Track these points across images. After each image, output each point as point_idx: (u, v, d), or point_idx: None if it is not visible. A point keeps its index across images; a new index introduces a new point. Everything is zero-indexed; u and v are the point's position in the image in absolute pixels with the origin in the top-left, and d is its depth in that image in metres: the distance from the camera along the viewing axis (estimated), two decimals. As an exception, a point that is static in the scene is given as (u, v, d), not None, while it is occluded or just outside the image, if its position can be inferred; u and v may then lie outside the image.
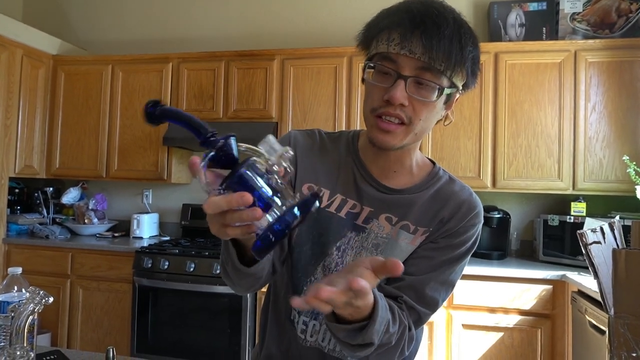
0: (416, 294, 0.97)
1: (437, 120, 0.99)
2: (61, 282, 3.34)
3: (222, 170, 0.67)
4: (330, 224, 1.01)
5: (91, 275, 3.30)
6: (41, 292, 0.76)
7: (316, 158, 1.05)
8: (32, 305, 0.75)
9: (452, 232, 0.99)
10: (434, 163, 1.09)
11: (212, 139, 0.67)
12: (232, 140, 0.66)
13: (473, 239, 1.01)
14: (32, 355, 0.77)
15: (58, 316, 3.33)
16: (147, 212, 3.79)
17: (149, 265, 3.04)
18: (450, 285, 1.02)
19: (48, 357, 1.14)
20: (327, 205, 1.02)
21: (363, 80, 0.96)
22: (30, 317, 0.77)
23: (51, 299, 0.76)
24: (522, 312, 2.71)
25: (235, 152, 0.67)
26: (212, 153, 0.66)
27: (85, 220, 3.70)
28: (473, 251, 1.02)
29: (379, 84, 0.91)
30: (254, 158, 0.66)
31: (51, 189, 3.94)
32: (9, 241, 3.47)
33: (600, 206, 3.06)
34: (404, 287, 0.97)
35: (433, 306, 0.99)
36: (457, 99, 0.98)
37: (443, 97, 0.91)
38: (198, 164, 0.65)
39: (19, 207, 3.88)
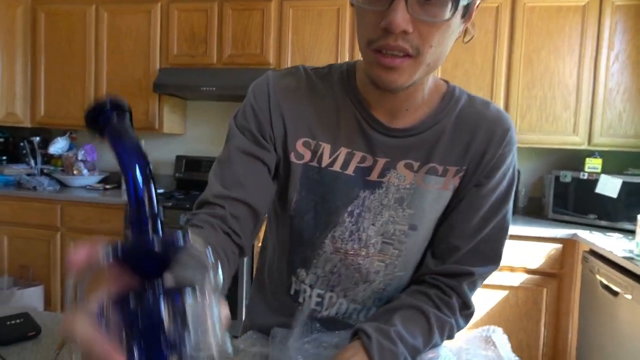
0: (473, 256, 0.85)
1: (454, 40, 0.77)
2: (51, 235, 3.23)
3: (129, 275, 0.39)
4: (336, 186, 0.84)
5: (82, 228, 3.18)
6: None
7: (306, 103, 0.85)
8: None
9: (493, 163, 0.83)
10: (446, 82, 0.88)
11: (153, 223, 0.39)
12: (186, 236, 0.39)
13: (514, 164, 0.86)
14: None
15: (49, 270, 3.25)
16: (139, 164, 3.62)
17: (141, 219, 2.91)
18: (507, 229, 0.88)
19: (14, 321, 1.01)
20: (329, 164, 0.84)
21: (352, 4, 0.72)
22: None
23: None
24: (529, 271, 2.61)
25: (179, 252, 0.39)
26: (134, 243, 0.39)
27: (75, 172, 3.54)
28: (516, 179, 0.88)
29: (373, 7, 0.68)
30: (190, 287, 0.39)
31: (38, 138, 3.75)
32: (-5, 192, 3.33)
33: (616, 162, 2.90)
34: (458, 259, 0.85)
35: (496, 260, 0.87)
36: (478, 5, 0.75)
37: (459, 10, 0.68)
38: (85, 256, 0.38)
39: (4, 158, 3.72)
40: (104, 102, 0.44)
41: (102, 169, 3.75)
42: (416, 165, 0.83)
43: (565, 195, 2.84)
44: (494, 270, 0.88)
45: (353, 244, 0.87)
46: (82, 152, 3.64)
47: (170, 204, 2.96)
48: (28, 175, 3.52)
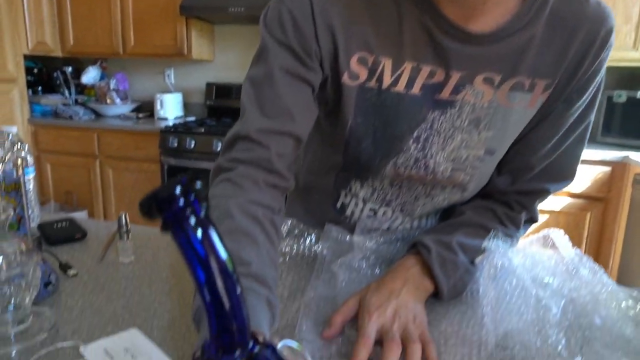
0: (549, 173, 0.79)
1: None
2: (90, 163, 3.31)
3: None
4: (400, 109, 0.73)
5: (119, 156, 3.24)
6: (11, 135, 0.58)
7: (359, 9, 0.68)
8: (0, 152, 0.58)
9: (589, 74, 0.70)
10: None
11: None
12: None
13: (605, 65, 0.74)
14: (10, 212, 0.61)
15: (92, 196, 3.37)
16: (170, 92, 3.60)
17: (175, 145, 2.93)
18: (586, 140, 0.79)
19: (61, 224, 1.03)
20: (391, 83, 0.71)
21: None
22: (6, 167, 0.61)
23: (26, 146, 0.58)
24: (573, 195, 2.51)
25: None
26: None
27: (108, 101, 3.56)
28: None
29: None
30: None
31: (70, 68, 3.76)
32: (34, 122, 3.40)
33: (678, 80, 2.66)
34: (532, 177, 0.80)
35: (572, 175, 0.81)
36: None
37: None
38: None
39: (40, 88, 3.76)
40: (173, 186, 0.26)
41: (134, 98, 3.76)
42: (497, 79, 0.70)
43: (617, 117, 2.65)
44: (568, 185, 0.82)
45: (418, 171, 0.78)
46: (114, 81, 3.63)
47: (202, 130, 2.95)
48: (64, 105, 3.57)
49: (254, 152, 0.69)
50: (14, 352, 0.61)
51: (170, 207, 0.27)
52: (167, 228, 0.28)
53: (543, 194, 0.82)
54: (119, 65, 3.80)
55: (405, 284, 0.69)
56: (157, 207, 0.27)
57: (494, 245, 0.68)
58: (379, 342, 0.63)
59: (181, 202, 0.27)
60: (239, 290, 0.29)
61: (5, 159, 0.57)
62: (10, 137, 0.58)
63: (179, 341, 0.65)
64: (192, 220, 0.28)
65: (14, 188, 0.74)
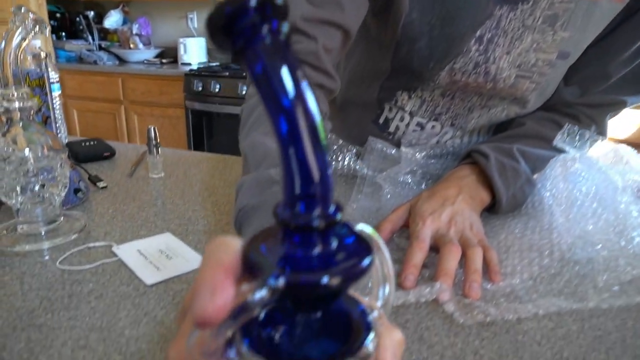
0: (627, 83, 0.71)
1: None
2: (115, 109, 3.30)
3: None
4: (462, 3, 0.63)
5: (143, 101, 3.21)
6: (32, 15, 0.52)
7: None
8: (22, 31, 0.52)
9: None
10: None
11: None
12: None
13: None
14: (35, 102, 0.57)
15: (118, 140, 3.37)
16: (194, 37, 3.50)
17: (200, 89, 2.87)
18: None
19: (89, 142, 0.99)
20: None
21: None
22: (28, 53, 0.56)
23: (47, 28, 0.52)
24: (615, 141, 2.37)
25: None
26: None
27: (131, 46, 3.49)
28: None
29: None
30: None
31: (92, 13, 3.69)
32: (59, 67, 3.36)
33: None
34: (607, 87, 0.71)
35: None
36: None
37: None
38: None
39: (63, 34, 3.71)
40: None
41: (157, 44, 3.68)
42: None
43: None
44: None
45: (477, 77, 0.69)
46: (137, 25, 3.55)
47: (227, 73, 2.87)
48: (87, 50, 3.52)
49: (300, 44, 0.61)
50: (45, 249, 0.59)
51: (242, 23, 0.20)
52: (238, 54, 0.21)
53: (617, 106, 0.73)
54: (140, 9, 3.70)
55: (460, 192, 0.63)
56: (225, 25, 0.20)
57: (563, 143, 0.61)
58: (434, 248, 0.57)
59: (255, 17, 0.20)
60: (323, 146, 0.21)
61: (28, 39, 0.51)
62: (31, 16, 0.52)
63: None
64: (272, 44, 0.20)
65: (38, 84, 0.69)
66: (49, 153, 0.59)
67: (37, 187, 0.57)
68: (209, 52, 3.56)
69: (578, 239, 0.52)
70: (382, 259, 0.25)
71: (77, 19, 3.69)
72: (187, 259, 0.57)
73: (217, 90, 2.84)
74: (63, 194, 0.61)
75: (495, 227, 0.64)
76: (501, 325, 0.45)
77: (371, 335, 0.24)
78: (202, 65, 3.31)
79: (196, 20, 3.61)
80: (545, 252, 0.50)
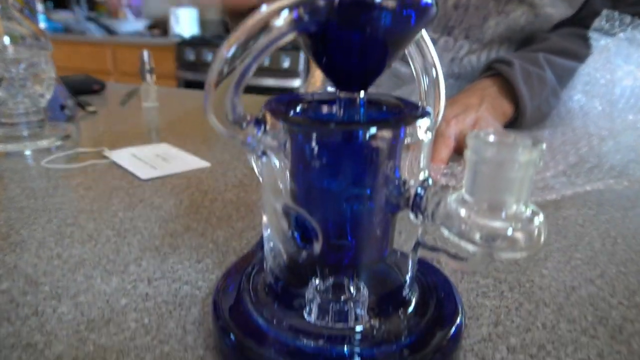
0: None
1: None
2: (104, 79, 3.20)
3: None
4: None
5: (134, 72, 3.11)
6: None
7: None
8: None
9: None
10: None
11: None
12: None
13: None
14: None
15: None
16: (186, 6, 3.40)
17: (193, 59, 2.79)
18: None
19: (75, 77, 0.93)
20: None
21: None
22: None
23: None
24: None
25: None
26: None
27: (120, 15, 3.39)
28: None
29: None
30: None
31: (80, -18, 3.57)
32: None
33: None
34: None
35: None
36: None
37: None
38: None
39: (51, 3, 3.59)
40: None
41: (147, 15, 3.57)
42: None
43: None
44: None
45: None
46: (126, -5, 3.44)
47: (220, 41, 2.79)
48: (75, 21, 3.41)
49: None
50: (27, 151, 0.53)
51: None
52: None
53: None
54: (130, -21, 3.59)
55: (483, 101, 0.58)
56: None
57: (601, 31, 0.56)
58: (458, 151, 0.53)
59: None
60: None
61: None
62: None
63: (217, 151, 0.56)
64: None
65: None
66: (32, 45, 0.53)
67: (18, 81, 0.52)
68: (202, 24, 3.47)
69: (619, 126, 0.47)
70: None
71: (64, -12, 3.56)
72: (186, 161, 0.52)
73: (210, 59, 2.77)
74: (48, 96, 0.56)
75: (523, 132, 0.59)
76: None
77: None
78: (194, 36, 3.22)
79: (188, -10, 3.51)
80: (582, 142, 0.46)
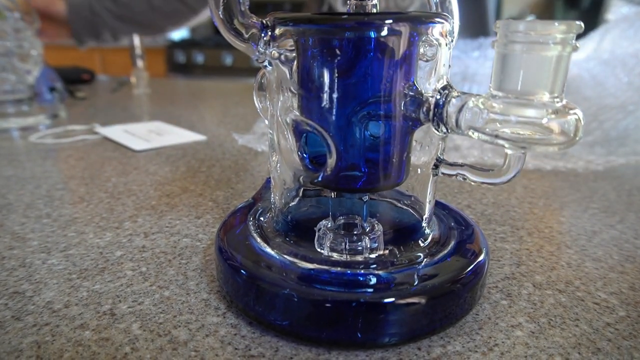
0: None
1: None
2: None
3: None
4: None
5: (123, 75, 3.09)
6: None
7: None
8: None
9: None
10: None
11: None
12: None
13: None
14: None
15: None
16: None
17: (183, 61, 2.77)
18: None
19: (64, 68, 0.91)
20: None
21: None
22: None
23: None
24: None
25: None
26: None
27: (109, 20, 3.37)
28: None
29: None
30: None
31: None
32: (33, 42, 3.23)
33: None
34: None
35: None
36: None
37: None
38: None
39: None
40: None
41: None
42: None
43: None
44: None
45: None
46: None
47: (210, 43, 2.78)
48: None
49: None
50: (14, 130, 0.51)
51: None
52: None
53: None
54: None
55: None
56: None
57: None
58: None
59: None
60: None
61: None
62: None
63: (212, 127, 0.54)
64: None
65: None
66: (18, 19, 0.51)
67: (3, 55, 0.50)
68: (192, 29, 3.45)
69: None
70: None
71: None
72: (181, 135, 0.50)
73: (200, 61, 2.75)
74: (36, 73, 0.54)
75: None
76: (545, 171, 0.39)
77: None
78: (184, 38, 3.20)
79: (177, -6, 3.50)
80: (604, 115, 0.44)
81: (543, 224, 0.29)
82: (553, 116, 0.15)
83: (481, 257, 0.20)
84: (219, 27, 0.17)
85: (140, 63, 0.77)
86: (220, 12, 0.17)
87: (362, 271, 0.18)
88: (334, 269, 0.18)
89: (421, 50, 0.18)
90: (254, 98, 0.23)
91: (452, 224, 0.23)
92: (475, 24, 0.75)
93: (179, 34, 3.29)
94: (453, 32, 0.19)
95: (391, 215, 0.23)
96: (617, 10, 0.57)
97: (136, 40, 0.77)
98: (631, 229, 0.29)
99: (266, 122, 0.22)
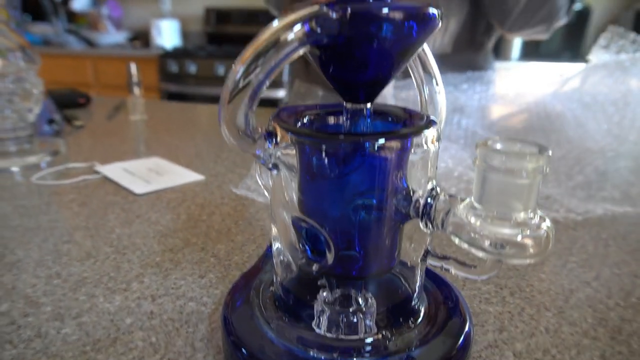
0: None
1: None
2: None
3: None
4: None
5: (115, 84, 3.08)
6: None
7: None
8: None
9: None
10: None
11: None
12: None
13: None
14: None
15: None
16: (167, 18, 3.39)
17: (176, 70, 2.78)
18: None
19: (60, 91, 0.92)
20: None
21: None
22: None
23: None
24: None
25: None
26: None
27: (100, 28, 3.36)
28: None
29: None
30: None
31: (58, -6, 3.53)
32: (24, 50, 3.21)
33: None
34: None
35: None
36: None
37: None
38: None
39: (30, 15, 3.54)
40: None
41: (129, 26, 3.55)
42: None
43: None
44: None
45: None
46: (106, 7, 3.41)
47: (203, 53, 2.79)
48: (54, 34, 3.37)
49: None
50: (16, 169, 0.52)
51: None
52: None
53: None
54: (110, -8, 3.57)
55: None
56: None
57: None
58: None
59: None
60: None
61: None
62: None
63: (210, 164, 0.56)
64: None
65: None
66: (20, 59, 0.52)
67: (5, 96, 0.51)
68: (184, 35, 3.46)
69: (620, 145, 0.48)
70: None
71: (43, 0, 3.52)
72: (180, 174, 0.52)
73: (193, 71, 2.76)
74: (37, 111, 0.55)
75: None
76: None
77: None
78: (177, 48, 3.21)
79: (169, 2, 3.50)
80: (586, 160, 0.47)
81: (525, 282, 0.31)
82: (527, 232, 0.17)
83: (466, 329, 0.22)
84: (229, 137, 0.19)
85: (136, 90, 0.79)
86: (231, 126, 0.19)
87: (356, 359, 0.20)
88: (329, 357, 0.20)
89: (412, 152, 0.20)
90: (258, 180, 0.25)
91: (439, 296, 0.25)
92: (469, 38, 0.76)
93: (171, 43, 3.29)
94: (440, 129, 0.21)
95: (385, 287, 0.25)
96: (598, 51, 0.59)
97: (133, 68, 0.79)
98: (605, 286, 0.31)
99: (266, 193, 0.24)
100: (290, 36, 0.17)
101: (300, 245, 0.21)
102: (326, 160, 0.19)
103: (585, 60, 0.64)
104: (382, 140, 0.18)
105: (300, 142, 0.19)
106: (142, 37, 3.48)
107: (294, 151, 0.20)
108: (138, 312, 0.27)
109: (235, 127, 0.18)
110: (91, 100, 0.92)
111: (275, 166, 0.21)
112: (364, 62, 0.19)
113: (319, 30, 0.17)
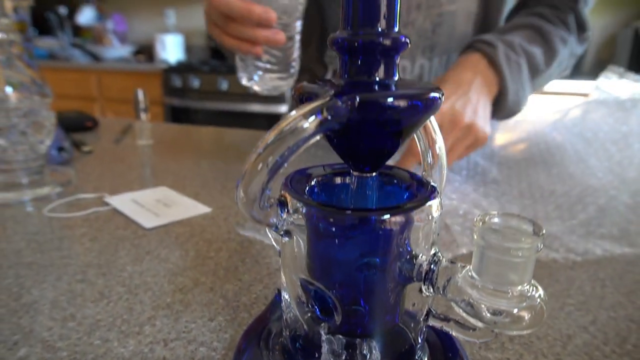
0: None
1: None
2: (90, 106, 3.19)
3: None
4: None
5: (120, 98, 3.11)
6: None
7: None
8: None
9: None
10: None
11: None
12: None
13: None
14: (17, 37, 0.52)
15: (93, 140, 3.26)
16: (172, 33, 3.43)
17: (179, 85, 2.81)
18: None
19: (68, 113, 0.94)
20: None
21: None
22: None
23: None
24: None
25: None
26: None
27: (105, 42, 3.40)
28: None
29: None
30: None
31: (64, 9, 3.58)
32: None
33: None
34: None
35: None
36: None
37: None
38: None
39: (37, 30, 3.59)
40: None
41: (133, 41, 3.59)
42: None
43: (642, 53, 2.52)
44: None
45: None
46: (111, 22, 3.46)
47: (207, 68, 2.82)
48: (60, 48, 3.41)
49: None
50: (28, 200, 0.53)
51: None
52: None
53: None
54: (115, 5, 3.62)
55: (476, 75, 0.59)
56: None
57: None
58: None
59: None
60: None
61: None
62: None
63: (216, 195, 0.57)
64: None
65: (20, 29, 0.64)
66: (33, 94, 0.54)
67: (19, 129, 0.52)
68: (188, 49, 3.50)
69: (621, 184, 0.50)
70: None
71: (48, 15, 3.57)
72: (187, 206, 0.53)
73: (196, 85, 2.78)
74: (48, 142, 0.57)
75: (530, 175, 0.61)
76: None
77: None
78: (180, 62, 3.24)
79: (174, 17, 3.55)
80: (589, 199, 0.48)
81: (523, 326, 0.32)
82: (523, 305, 0.18)
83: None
84: (244, 209, 0.20)
85: (143, 116, 0.80)
86: (247, 203, 0.20)
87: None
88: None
89: (415, 219, 0.22)
90: (268, 234, 0.26)
91: (440, 346, 0.26)
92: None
93: (175, 57, 3.33)
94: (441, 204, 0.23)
95: (389, 338, 0.26)
96: (598, 89, 0.61)
97: (140, 94, 0.81)
98: (601, 331, 0.32)
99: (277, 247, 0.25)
100: (307, 125, 0.18)
101: (310, 306, 0.22)
102: (333, 230, 0.21)
103: (586, 76, 0.66)
104: (387, 216, 0.20)
105: (309, 212, 0.21)
106: (146, 52, 3.52)
107: (303, 219, 0.21)
108: (152, 358, 0.28)
109: (251, 204, 0.20)
110: (98, 123, 0.94)
111: (288, 233, 0.22)
112: (370, 141, 0.20)
113: (329, 117, 0.18)
